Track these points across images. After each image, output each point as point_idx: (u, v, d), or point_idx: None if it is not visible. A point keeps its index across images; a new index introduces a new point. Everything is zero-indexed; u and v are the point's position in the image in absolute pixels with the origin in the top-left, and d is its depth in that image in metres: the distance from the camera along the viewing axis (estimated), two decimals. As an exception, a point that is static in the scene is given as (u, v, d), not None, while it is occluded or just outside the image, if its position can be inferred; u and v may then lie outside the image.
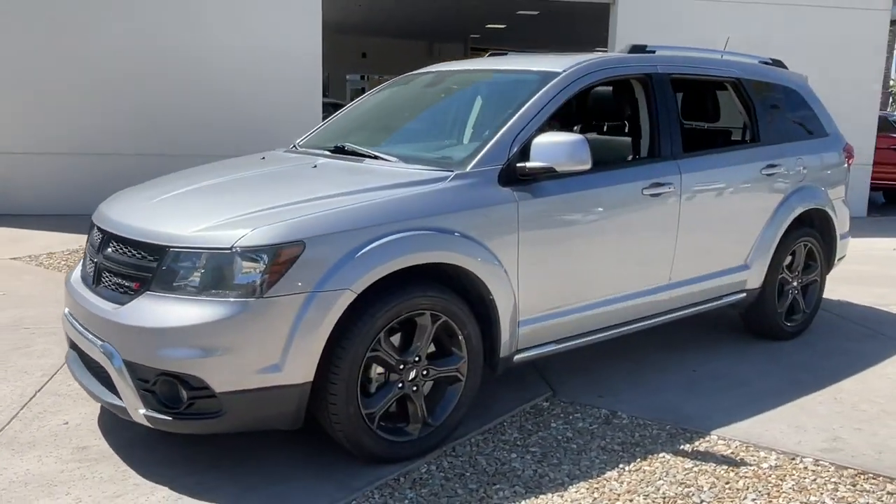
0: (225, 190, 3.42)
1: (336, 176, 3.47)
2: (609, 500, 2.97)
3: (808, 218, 5.01)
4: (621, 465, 3.24)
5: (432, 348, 3.27)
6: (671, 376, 4.30)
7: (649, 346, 4.80)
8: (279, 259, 2.80)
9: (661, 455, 3.35)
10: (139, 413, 2.89)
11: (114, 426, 3.45)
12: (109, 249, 3.15)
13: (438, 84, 4.44)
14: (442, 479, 3.09)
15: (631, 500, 2.97)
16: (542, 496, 2.98)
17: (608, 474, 3.17)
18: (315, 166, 3.65)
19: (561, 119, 4.44)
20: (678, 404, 3.91)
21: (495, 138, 3.47)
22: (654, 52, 4.32)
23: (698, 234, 4.21)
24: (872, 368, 4.50)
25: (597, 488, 3.05)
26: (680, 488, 3.07)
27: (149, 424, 2.90)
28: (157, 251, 2.93)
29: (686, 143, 4.31)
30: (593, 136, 4.71)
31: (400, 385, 3.14)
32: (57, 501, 2.84)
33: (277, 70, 9.22)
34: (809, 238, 4.93)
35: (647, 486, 3.08)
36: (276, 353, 2.80)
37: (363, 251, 2.92)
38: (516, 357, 3.53)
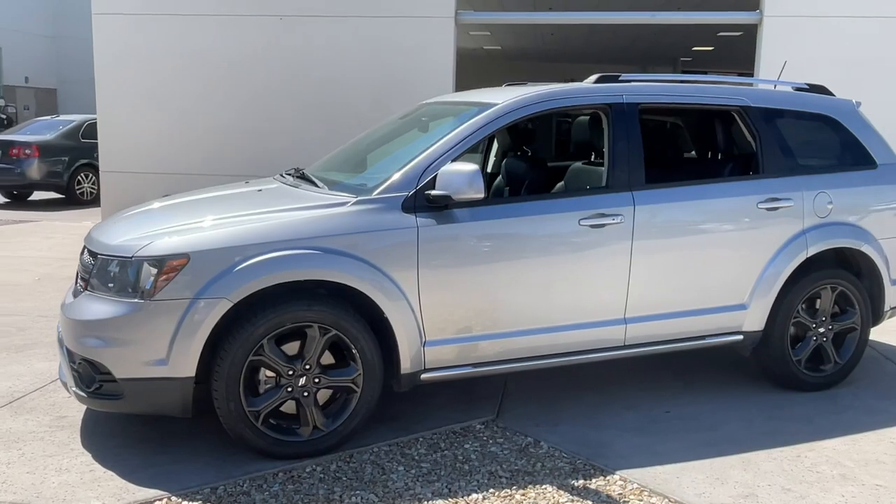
0: (173, 209, 3.97)
1: (264, 199, 3.88)
2: (444, 519, 3.06)
3: (840, 258, 4.53)
4: (492, 490, 3.28)
5: (331, 359, 3.55)
6: (633, 413, 4.15)
7: (645, 380, 4.63)
8: (167, 268, 3.27)
9: (543, 486, 3.33)
10: (72, 389, 3.50)
11: (97, 402, 4.13)
12: (82, 257, 3.82)
13: (412, 116, 4.68)
14: (317, 479, 3.35)
15: (464, 522, 3.04)
16: (384, 506, 3.14)
17: (472, 496, 3.23)
18: (259, 190, 4.10)
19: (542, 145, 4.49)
20: (611, 441, 3.80)
21: (406, 167, 3.68)
22: (627, 81, 4.23)
23: (664, 268, 4.05)
24: (883, 431, 3.99)
25: (443, 507, 3.15)
26: (524, 519, 3.07)
27: (77, 399, 3.50)
28: (94, 257, 3.54)
29: (657, 174, 4.16)
30: (556, 164, 4.67)
31: (289, 389, 3.46)
32: (6, 453, 3.52)
33: (410, 97, 9.82)
34: (840, 280, 4.46)
35: (494, 512, 3.11)
36: (163, 349, 3.26)
37: (242, 265, 3.30)
38: (423, 376, 3.68)
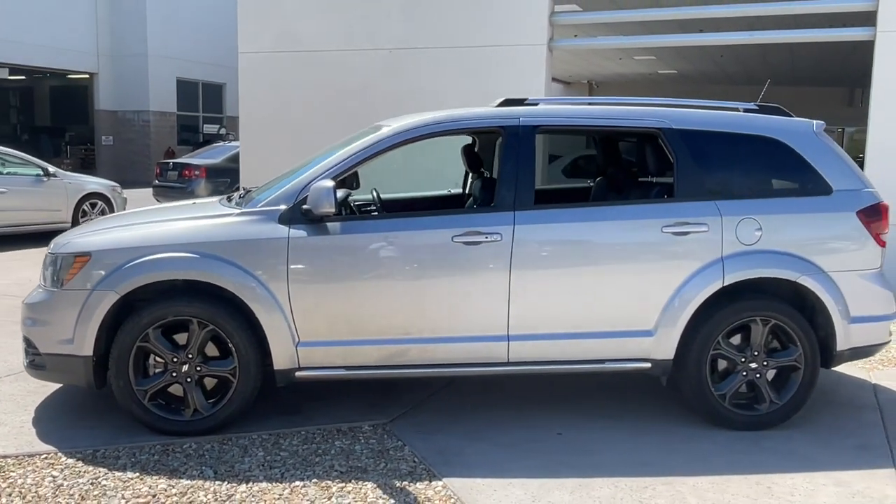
0: (119, 216, 4.67)
1: (183, 211, 4.46)
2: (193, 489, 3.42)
3: (776, 289, 4.23)
4: (316, 480, 3.57)
5: (216, 351, 4.05)
6: (522, 431, 4.19)
7: (568, 401, 4.60)
8: (74, 263, 3.96)
9: (365, 483, 3.55)
10: (23, 363, 4.30)
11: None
12: None
13: (347, 137, 5.01)
14: (186, 455, 3.84)
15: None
16: (196, 481, 3.55)
17: (296, 483, 3.55)
18: (194, 203, 4.68)
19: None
20: (472, 452, 3.90)
21: (290, 184, 4.10)
22: (534, 104, 4.31)
23: (551, 289, 4.07)
24: (772, 475, 3.70)
25: (233, 485, 3.50)
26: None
27: (25, 371, 4.29)
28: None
29: (560, 195, 4.19)
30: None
31: (174, 374, 4.00)
32: (-20, 409, 4.40)
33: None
34: (773, 313, 4.16)
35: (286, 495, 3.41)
36: (69, 331, 3.95)
37: (130, 264, 3.90)
38: (298, 373, 4.05)
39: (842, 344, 4.24)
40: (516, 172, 4.11)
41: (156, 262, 3.90)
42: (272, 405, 4.49)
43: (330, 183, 3.86)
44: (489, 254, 4.03)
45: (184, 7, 25.62)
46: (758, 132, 4.32)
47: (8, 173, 11.04)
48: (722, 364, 4.25)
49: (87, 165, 26.17)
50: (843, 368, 5.47)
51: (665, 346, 4.14)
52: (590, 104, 4.48)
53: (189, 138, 26.37)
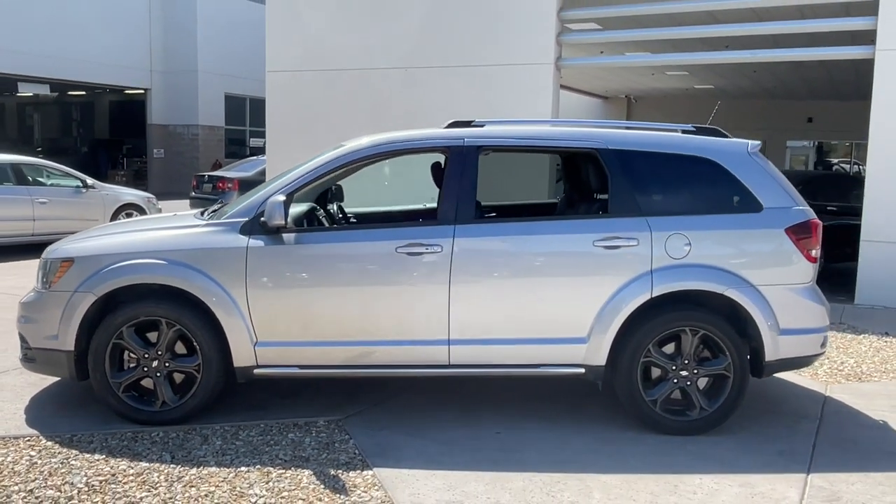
0: (112, 225, 5.16)
1: (163, 221, 4.90)
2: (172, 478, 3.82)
3: (711, 301, 4.45)
4: (260, 466, 3.95)
5: (183, 349, 4.47)
6: (463, 430, 4.49)
7: (518, 406, 4.89)
8: (59, 268, 4.44)
9: (303, 470, 3.92)
10: (18, 356, 4.79)
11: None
12: None
13: (321, 152, 5.39)
14: (151, 441, 4.26)
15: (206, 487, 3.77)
16: (154, 464, 3.97)
17: (242, 469, 3.93)
18: (174, 215, 5.13)
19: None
20: (409, 447, 4.23)
21: (252, 197, 4.51)
22: (480, 125, 4.65)
23: (487, 296, 4.38)
24: (682, 476, 3.93)
25: (185, 469, 3.89)
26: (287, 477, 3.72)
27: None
28: None
29: (501, 210, 4.51)
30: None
31: (145, 369, 4.44)
32: (-17, 397, 4.92)
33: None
34: (702, 324, 4.39)
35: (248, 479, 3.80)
36: (54, 327, 4.42)
37: (106, 269, 4.36)
38: (256, 371, 4.45)
39: (771, 354, 4.44)
40: (458, 189, 4.45)
41: (128, 268, 4.35)
42: (242, 400, 4.90)
43: (281, 198, 4.25)
44: (430, 264, 4.36)
45: (232, 26, 26.60)
46: (691, 152, 4.56)
47: (51, 185, 11.82)
48: (655, 371, 4.49)
49: (140, 177, 27.38)
50: (801, 381, 5.64)
51: (597, 353, 4.41)
52: (536, 125, 4.79)
53: (236, 151, 27.32)
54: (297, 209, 4.95)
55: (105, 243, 4.52)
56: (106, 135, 33.50)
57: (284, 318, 4.40)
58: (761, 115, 24.87)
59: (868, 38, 9.51)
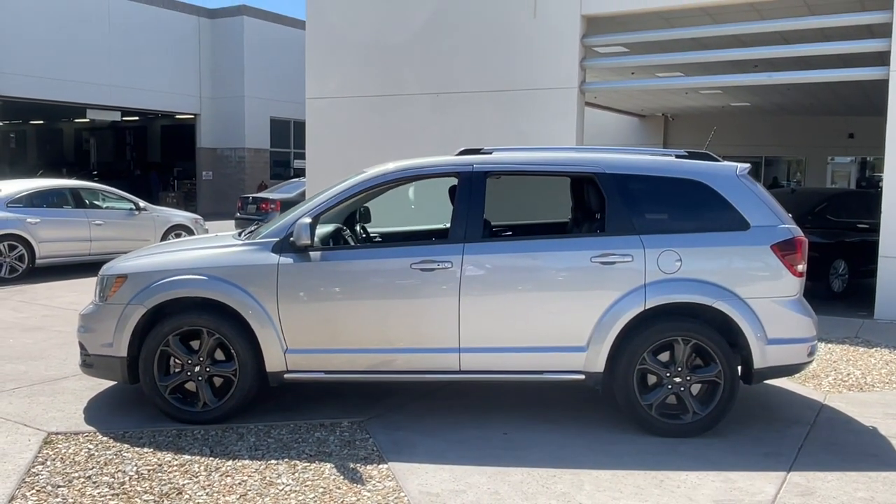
0: (162, 246, 5.73)
1: (205, 241, 5.46)
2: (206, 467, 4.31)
3: (704, 313, 4.81)
4: (287, 459, 4.43)
5: (222, 355, 5.00)
6: (476, 431, 4.90)
7: (530, 410, 5.29)
8: (114, 283, 5.01)
9: (325, 463, 4.39)
10: (78, 362, 5.37)
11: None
12: None
13: (347, 176, 5.89)
14: (193, 438, 4.78)
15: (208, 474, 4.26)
16: (195, 456, 4.47)
17: (271, 461, 4.42)
18: (216, 235, 5.68)
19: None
20: (423, 445, 4.67)
21: (284, 219, 5.04)
22: (489, 152, 5.12)
23: (494, 308, 4.82)
24: (669, 472, 4.29)
25: (222, 461, 4.38)
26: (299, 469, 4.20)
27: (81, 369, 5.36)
28: None
29: (507, 230, 4.95)
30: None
31: (189, 374, 4.97)
32: (51, 396, 5.50)
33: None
34: (694, 334, 4.75)
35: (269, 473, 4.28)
36: (110, 336, 4.99)
37: (155, 284, 4.91)
38: (286, 376, 4.95)
39: (759, 363, 4.78)
40: (468, 210, 4.91)
41: (174, 283, 4.90)
42: (275, 403, 5.40)
43: (308, 220, 4.77)
44: (441, 279, 4.82)
45: (276, 51, 27.58)
46: (682, 175, 4.95)
47: (107, 207, 12.62)
48: (651, 378, 4.86)
49: (189, 198, 28.46)
50: (802, 390, 5.92)
51: (596, 361, 4.80)
52: (541, 152, 5.23)
53: (281, 173, 28.23)
54: (324, 229, 5.46)
55: (154, 261, 5.09)
56: (158, 158, 34.83)
57: (311, 328, 4.89)
58: (801, 132, 24.83)
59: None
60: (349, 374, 4.95)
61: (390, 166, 5.13)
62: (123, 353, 4.97)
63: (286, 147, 29.25)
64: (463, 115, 11.45)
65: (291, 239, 4.86)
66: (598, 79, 11.90)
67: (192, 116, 27.91)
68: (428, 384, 5.56)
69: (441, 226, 6.45)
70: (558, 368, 4.86)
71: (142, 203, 12.90)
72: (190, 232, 13.40)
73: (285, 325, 4.88)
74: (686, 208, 4.92)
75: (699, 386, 4.87)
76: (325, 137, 12.68)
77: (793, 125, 24.83)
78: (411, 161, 5.16)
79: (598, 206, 5.11)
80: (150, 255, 5.29)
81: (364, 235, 6.17)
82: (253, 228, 5.52)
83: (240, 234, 5.43)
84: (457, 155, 5.20)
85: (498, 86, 11.16)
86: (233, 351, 4.92)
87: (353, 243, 5.81)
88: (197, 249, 5.17)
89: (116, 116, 27.03)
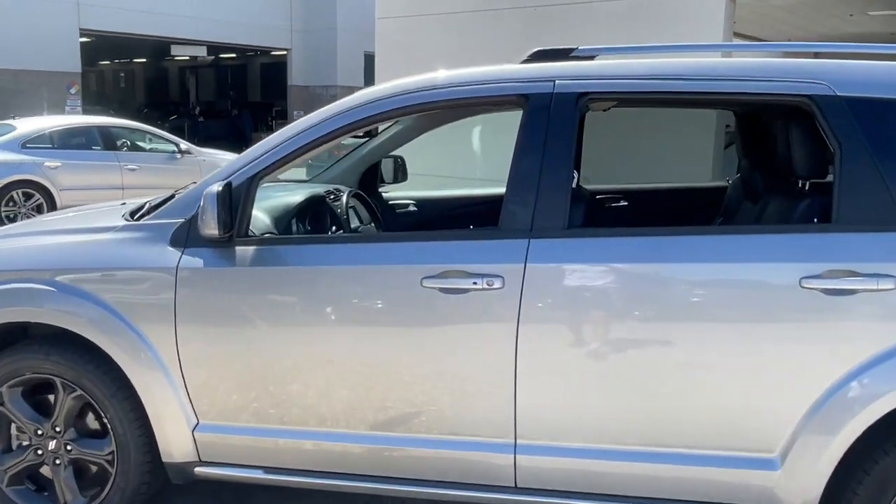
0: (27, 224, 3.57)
1: (85, 219, 3.20)
2: None
3: None
4: None
5: (97, 424, 2.80)
6: None
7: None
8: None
9: None
10: None
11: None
12: None
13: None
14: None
15: None
16: None
17: None
18: (117, 204, 3.41)
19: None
20: None
21: (197, 186, 2.72)
22: (585, 57, 2.57)
23: (585, 373, 2.37)
24: None
25: None
26: None
27: None
28: None
29: (616, 214, 2.48)
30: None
31: (38, 451, 2.81)
32: None
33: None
34: None
35: None
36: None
37: (-25, 298, 2.73)
38: (198, 469, 2.70)
39: None
40: (539, 172, 2.42)
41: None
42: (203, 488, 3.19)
43: (215, 188, 2.42)
44: (482, 309, 2.39)
45: (371, -20, 25.20)
46: None
47: (150, 150, 10.81)
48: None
49: (283, 139, 26.84)
50: None
51: (801, 486, 2.29)
52: (689, 58, 2.65)
53: (375, 112, 26.14)
54: (294, 197, 3.16)
55: (-11, 252, 2.91)
56: (258, 97, 33.55)
57: (241, 387, 2.61)
58: None
59: None
60: (308, 478, 2.64)
61: (383, 88, 2.70)
62: (-65, 407, 2.86)
63: (381, 85, 27.09)
64: (568, 34, 8.71)
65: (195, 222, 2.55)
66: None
67: (285, 52, 26.13)
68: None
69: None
70: (719, 498, 2.37)
71: (184, 145, 10.98)
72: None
73: (192, 380, 2.62)
74: None
75: None
76: (395, 65, 10.28)
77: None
78: (425, 77, 2.68)
79: (813, 165, 2.50)
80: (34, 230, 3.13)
81: (383, 208, 3.81)
82: (165, 199, 3.20)
83: (141, 209, 3.12)
84: (524, 62, 2.68)
85: (615, -8, 8.39)
86: (105, 421, 2.72)
87: (355, 222, 3.45)
88: (57, 234, 2.94)
89: (202, 52, 25.55)
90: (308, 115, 2.70)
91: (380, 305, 2.48)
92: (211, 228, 2.40)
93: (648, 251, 2.36)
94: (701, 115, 5.31)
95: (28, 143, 9.62)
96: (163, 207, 2.74)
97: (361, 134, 3.65)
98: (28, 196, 9.48)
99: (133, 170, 10.27)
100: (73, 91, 21.38)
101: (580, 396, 2.39)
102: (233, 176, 2.58)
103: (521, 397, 2.40)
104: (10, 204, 9.34)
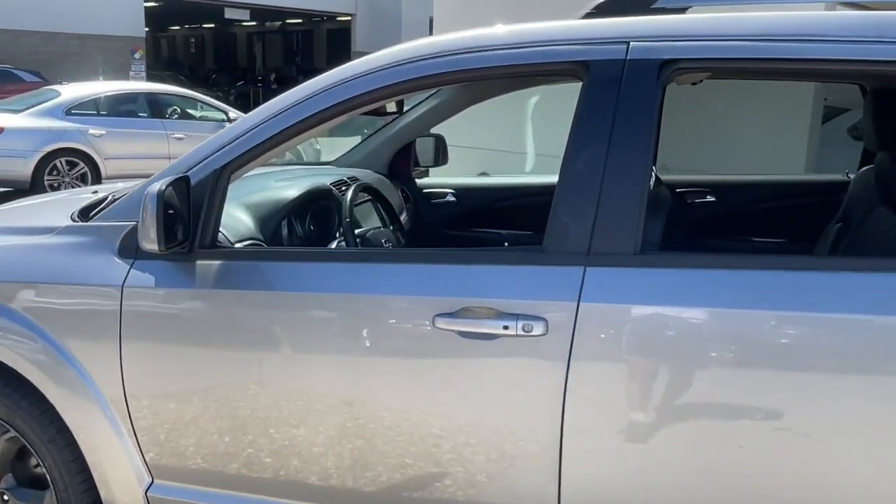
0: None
1: (49, 209, 2.65)
2: None
3: None
4: None
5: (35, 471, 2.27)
6: None
7: None
8: None
9: None
10: None
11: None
12: None
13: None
14: None
15: None
16: None
17: None
18: (95, 192, 2.83)
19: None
20: None
21: (151, 181, 2.10)
22: (668, 9, 1.84)
23: (659, 446, 1.68)
24: None
25: None
26: None
27: None
28: None
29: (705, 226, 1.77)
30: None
31: (-30, 500, 2.30)
32: None
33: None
34: None
35: None
36: None
37: None
38: (154, 539, 2.13)
39: None
40: (602, 172, 1.71)
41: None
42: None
43: (158, 186, 1.80)
44: (515, 364, 1.72)
45: (439, -59, 24.39)
46: None
47: (200, 118, 10.41)
48: None
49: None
50: None
51: None
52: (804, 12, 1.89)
53: (440, 81, 25.52)
54: (287, 192, 2.54)
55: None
56: (323, 64, 33.19)
57: (202, 439, 2.01)
58: None
59: None
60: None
61: (392, 52, 1.99)
62: None
63: (447, 52, 26.39)
64: None
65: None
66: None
67: (349, 18, 25.62)
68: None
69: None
70: None
71: (232, 113, 10.53)
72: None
73: (143, 428, 2.03)
74: None
75: None
76: (455, 20, 9.58)
77: None
78: (451, 37, 1.97)
79: None
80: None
81: (416, 198, 3.15)
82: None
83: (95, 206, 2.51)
84: (587, 16, 1.96)
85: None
86: (43, 470, 2.17)
87: (366, 223, 2.79)
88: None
89: (245, 16, 25.10)
90: (301, 85, 2.05)
91: (377, 351, 1.82)
92: (150, 241, 1.79)
93: (738, 283, 1.63)
94: (794, 87, 4.39)
95: (73, 110, 9.29)
96: (114, 204, 2.14)
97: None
98: (72, 165, 9.18)
99: (180, 139, 9.86)
100: (137, 56, 21.34)
101: (646, 471, 1.70)
102: (193, 169, 1.96)
103: (565, 470, 1.73)
104: (54, 173, 9.05)
